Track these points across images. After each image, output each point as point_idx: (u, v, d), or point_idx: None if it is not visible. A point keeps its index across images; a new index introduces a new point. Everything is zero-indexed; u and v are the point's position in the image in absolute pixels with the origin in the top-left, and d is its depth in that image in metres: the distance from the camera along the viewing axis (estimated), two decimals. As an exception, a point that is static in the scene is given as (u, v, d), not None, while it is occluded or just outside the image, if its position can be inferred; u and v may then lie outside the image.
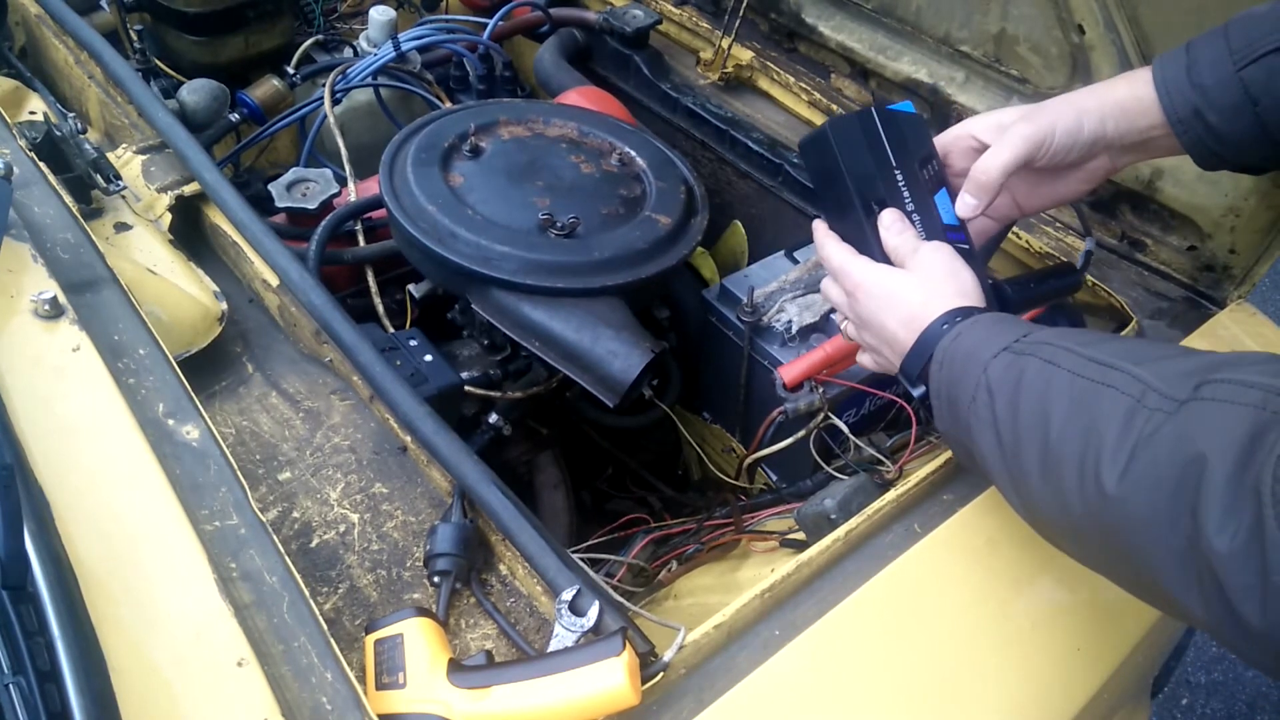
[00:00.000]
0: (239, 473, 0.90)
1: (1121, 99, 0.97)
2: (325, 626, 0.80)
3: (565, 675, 0.76)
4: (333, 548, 0.96)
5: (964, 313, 0.91)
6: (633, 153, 1.41)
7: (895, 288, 0.96)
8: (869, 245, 0.99)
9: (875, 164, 0.98)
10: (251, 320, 1.22)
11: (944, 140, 1.05)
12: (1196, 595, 0.63)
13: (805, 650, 0.87)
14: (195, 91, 1.64)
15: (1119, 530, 0.68)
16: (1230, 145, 0.95)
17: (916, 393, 0.94)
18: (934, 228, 0.99)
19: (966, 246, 1.01)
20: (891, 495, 1.00)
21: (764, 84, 1.74)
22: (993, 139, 1.00)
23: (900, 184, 0.99)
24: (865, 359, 1.05)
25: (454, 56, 1.82)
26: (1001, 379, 0.80)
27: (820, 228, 1.04)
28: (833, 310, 1.28)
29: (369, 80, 1.70)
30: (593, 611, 0.84)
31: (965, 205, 1.00)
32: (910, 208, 0.99)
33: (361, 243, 1.41)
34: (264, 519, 0.87)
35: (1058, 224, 1.42)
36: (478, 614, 0.93)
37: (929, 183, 1.01)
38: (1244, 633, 0.60)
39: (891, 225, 0.98)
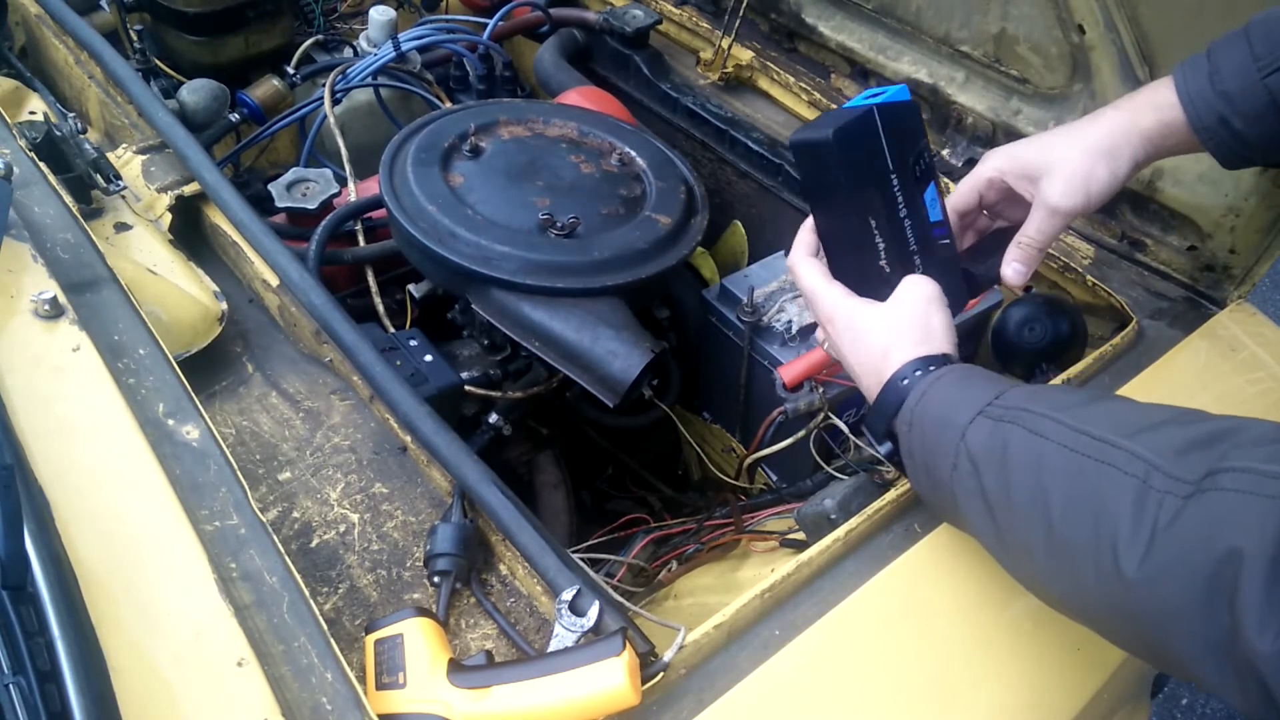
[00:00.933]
0: (239, 473, 0.90)
1: (1149, 128, 0.96)
2: (325, 626, 0.80)
3: (565, 675, 0.76)
4: (333, 548, 0.96)
5: (926, 364, 0.88)
6: (633, 153, 1.41)
7: (861, 326, 0.94)
8: (862, 253, 0.97)
9: (874, 175, 0.95)
10: (251, 320, 1.22)
11: (975, 183, 1.02)
12: (1234, 686, 0.63)
13: (805, 650, 0.87)
14: (195, 91, 1.64)
15: (1142, 616, 0.68)
16: (1256, 148, 0.95)
17: (881, 451, 0.93)
18: (922, 228, 0.97)
19: (948, 242, 1.00)
20: (891, 495, 1.00)
21: (764, 84, 1.74)
22: (1027, 191, 0.99)
23: (895, 189, 0.96)
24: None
25: (454, 56, 1.82)
26: (985, 450, 0.79)
27: (797, 248, 1.02)
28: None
29: (369, 80, 1.70)
30: (593, 611, 0.84)
31: (1011, 276, 1.00)
32: (903, 214, 0.96)
33: (361, 243, 1.41)
34: (264, 519, 0.87)
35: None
36: (478, 614, 0.93)
37: (919, 180, 0.98)
38: None
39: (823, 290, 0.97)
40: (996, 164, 1.01)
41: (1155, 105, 0.96)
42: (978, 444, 0.79)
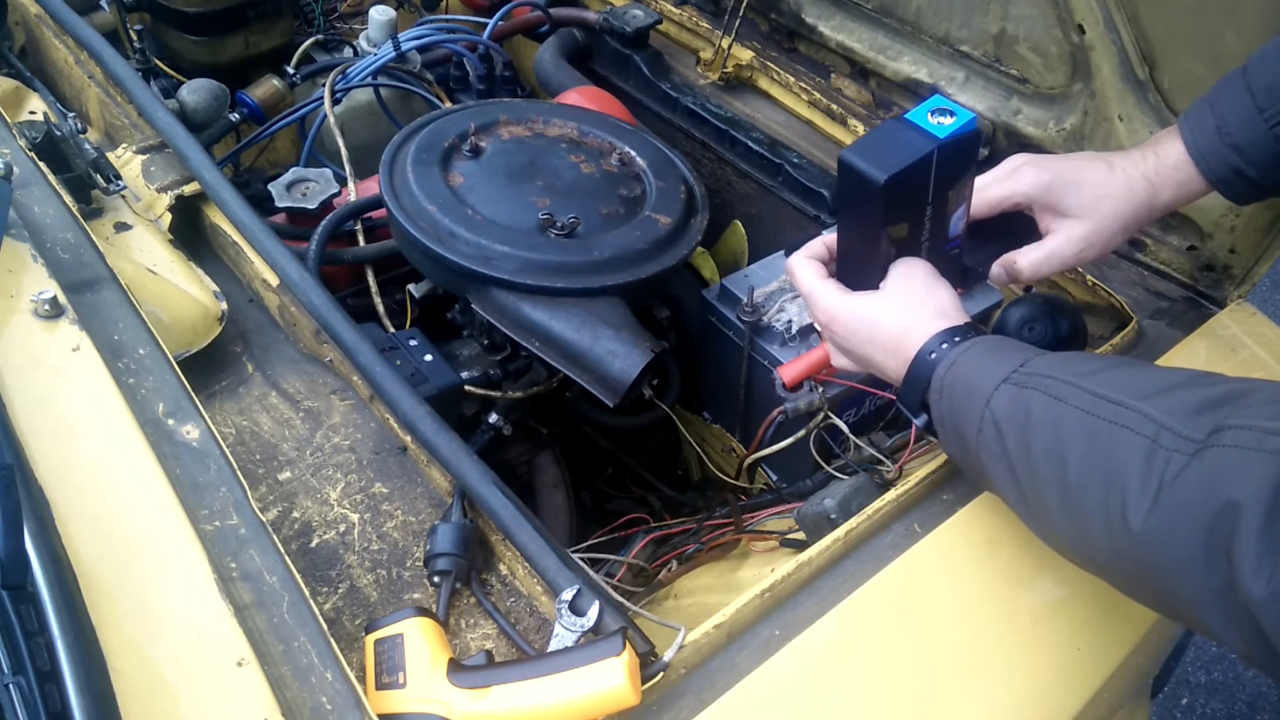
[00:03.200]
0: (239, 473, 0.90)
1: (1168, 203, 1.00)
2: (325, 626, 0.80)
3: (565, 675, 0.76)
4: (333, 548, 0.96)
5: (951, 336, 0.90)
6: (633, 153, 1.41)
7: (872, 316, 0.94)
8: (872, 269, 0.95)
9: (910, 211, 0.92)
10: (251, 320, 1.22)
11: (1001, 202, 1.03)
12: (1235, 631, 0.67)
13: (805, 650, 0.87)
14: (195, 91, 1.64)
15: (1150, 568, 0.72)
16: (1270, 190, 0.98)
17: (919, 422, 0.93)
18: (938, 243, 0.97)
19: (956, 252, 1.00)
20: (891, 495, 1.00)
21: (764, 84, 1.74)
22: (1046, 222, 1.02)
23: (926, 218, 0.94)
24: (840, 362, 1.04)
25: (454, 56, 1.82)
26: (1008, 415, 0.81)
27: (801, 251, 1.01)
28: (818, 331, 1.29)
29: (369, 80, 1.70)
30: (593, 611, 0.84)
31: (1000, 280, 1.04)
32: (924, 237, 0.95)
33: (361, 243, 1.41)
34: (264, 519, 0.87)
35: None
36: (478, 614, 0.93)
37: (952, 203, 0.95)
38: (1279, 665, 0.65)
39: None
40: (1028, 191, 1.02)
41: (1176, 180, 0.99)
42: (1002, 409, 0.82)
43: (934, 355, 0.89)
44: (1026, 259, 1.02)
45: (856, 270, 0.98)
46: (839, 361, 1.03)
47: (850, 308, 0.96)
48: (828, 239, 1.01)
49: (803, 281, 1.00)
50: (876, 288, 0.96)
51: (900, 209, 0.91)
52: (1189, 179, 0.99)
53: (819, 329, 1.03)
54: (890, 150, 0.87)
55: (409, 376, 1.14)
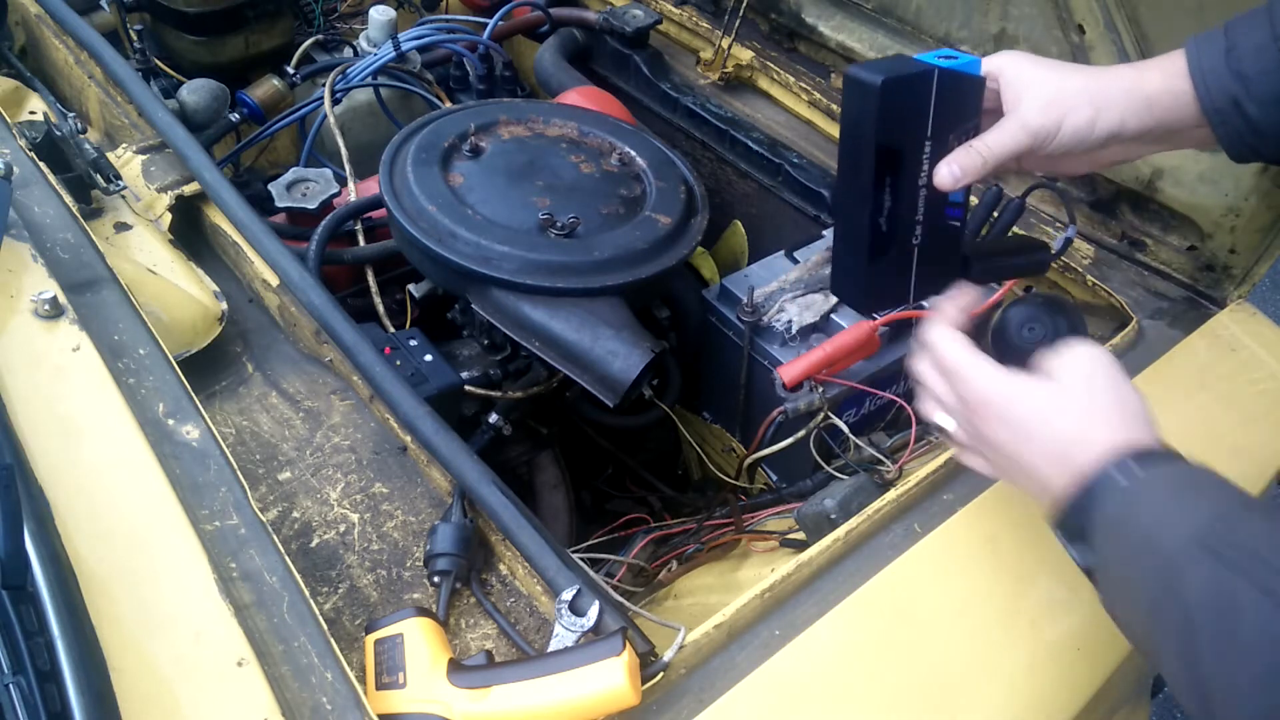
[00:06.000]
0: (239, 473, 0.90)
1: (1152, 93, 0.88)
2: (325, 626, 0.80)
3: (565, 675, 0.76)
4: (333, 548, 0.96)
5: (1136, 459, 0.71)
6: (633, 153, 1.41)
7: (1039, 412, 0.76)
8: (865, 203, 0.91)
9: (907, 137, 0.89)
10: (251, 320, 1.22)
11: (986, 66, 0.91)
12: None
13: (805, 650, 0.87)
14: (195, 91, 1.64)
15: None
16: (1268, 139, 0.86)
17: (1077, 555, 0.76)
18: (936, 202, 0.93)
19: (957, 224, 0.97)
20: (891, 495, 1.00)
21: (764, 84, 1.74)
22: (1009, 99, 0.89)
23: (924, 157, 0.90)
24: (973, 462, 0.86)
25: (454, 56, 1.82)
26: (1204, 602, 0.62)
27: (936, 319, 0.88)
28: (833, 310, 1.28)
29: (369, 80, 1.70)
30: (593, 611, 0.84)
31: (943, 177, 0.87)
32: (922, 182, 0.91)
33: (361, 243, 1.41)
34: (264, 519, 0.87)
35: (1057, 224, 1.42)
36: (478, 614, 0.93)
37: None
38: None
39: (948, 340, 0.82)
40: (999, 63, 0.91)
41: (1164, 71, 0.88)
42: (1195, 589, 0.63)
43: (1108, 481, 0.71)
44: (983, 136, 0.89)
45: (848, 206, 0.94)
46: (970, 460, 0.86)
47: (1016, 394, 0.78)
48: (957, 300, 0.90)
49: (949, 354, 0.83)
50: (867, 230, 0.88)
51: (897, 126, 0.88)
52: (1182, 91, 0.86)
53: (952, 411, 0.85)
54: (891, 66, 0.87)
55: (409, 376, 1.14)
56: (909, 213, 0.93)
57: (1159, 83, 0.88)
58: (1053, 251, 1.12)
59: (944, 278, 0.98)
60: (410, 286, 1.41)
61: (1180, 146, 0.94)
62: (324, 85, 1.62)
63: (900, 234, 0.94)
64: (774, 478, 1.38)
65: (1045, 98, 0.88)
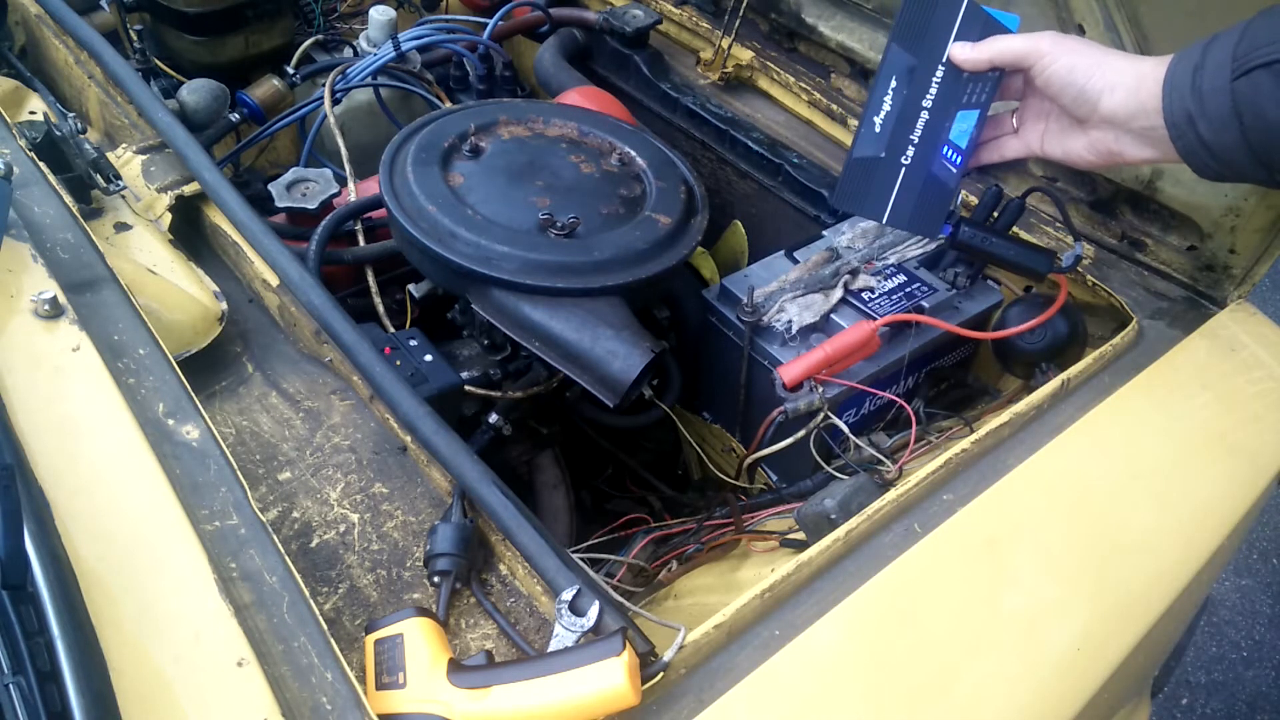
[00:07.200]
0: (239, 473, 0.90)
1: (1142, 74, 0.90)
2: (325, 626, 0.80)
3: (565, 675, 0.76)
4: (333, 548, 0.96)
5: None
6: (633, 153, 1.41)
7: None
8: (874, 97, 0.96)
9: (923, 48, 0.91)
10: (251, 320, 1.22)
11: (1023, 50, 0.97)
12: None
13: (805, 650, 0.87)
14: (195, 91, 1.64)
15: None
16: (1221, 160, 0.87)
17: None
18: (936, 134, 0.95)
19: (953, 170, 0.98)
20: (891, 495, 1.00)
21: (764, 84, 1.74)
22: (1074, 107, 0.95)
23: (935, 79, 0.93)
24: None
25: (454, 56, 1.82)
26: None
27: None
28: (833, 310, 1.28)
29: (369, 80, 1.70)
30: (593, 611, 0.84)
31: (959, 50, 0.95)
32: (926, 104, 0.93)
33: (361, 243, 1.41)
34: (264, 519, 0.87)
35: (1057, 224, 1.42)
36: (478, 614, 0.93)
37: (968, 95, 0.95)
38: None
39: None
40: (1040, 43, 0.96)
41: (1158, 62, 0.92)
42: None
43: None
44: (995, 39, 0.96)
45: (873, 98, 0.98)
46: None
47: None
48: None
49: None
50: (866, 128, 0.95)
51: (915, 30, 0.92)
52: (1150, 99, 0.89)
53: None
54: None
55: (409, 376, 1.14)
56: (905, 128, 0.94)
57: (1150, 70, 0.90)
58: (1060, 262, 1.12)
59: (925, 219, 0.98)
60: (410, 286, 1.41)
61: (1166, 159, 0.94)
62: (324, 85, 1.62)
63: (892, 144, 0.95)
64: (774, 478, 1.38)
65: (1058, 37, 0.94)
